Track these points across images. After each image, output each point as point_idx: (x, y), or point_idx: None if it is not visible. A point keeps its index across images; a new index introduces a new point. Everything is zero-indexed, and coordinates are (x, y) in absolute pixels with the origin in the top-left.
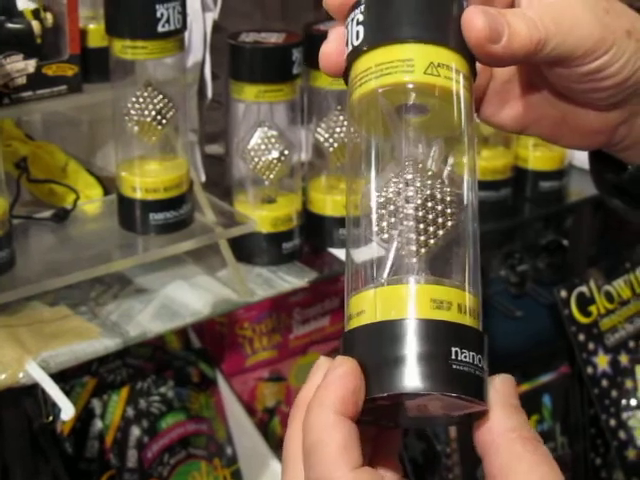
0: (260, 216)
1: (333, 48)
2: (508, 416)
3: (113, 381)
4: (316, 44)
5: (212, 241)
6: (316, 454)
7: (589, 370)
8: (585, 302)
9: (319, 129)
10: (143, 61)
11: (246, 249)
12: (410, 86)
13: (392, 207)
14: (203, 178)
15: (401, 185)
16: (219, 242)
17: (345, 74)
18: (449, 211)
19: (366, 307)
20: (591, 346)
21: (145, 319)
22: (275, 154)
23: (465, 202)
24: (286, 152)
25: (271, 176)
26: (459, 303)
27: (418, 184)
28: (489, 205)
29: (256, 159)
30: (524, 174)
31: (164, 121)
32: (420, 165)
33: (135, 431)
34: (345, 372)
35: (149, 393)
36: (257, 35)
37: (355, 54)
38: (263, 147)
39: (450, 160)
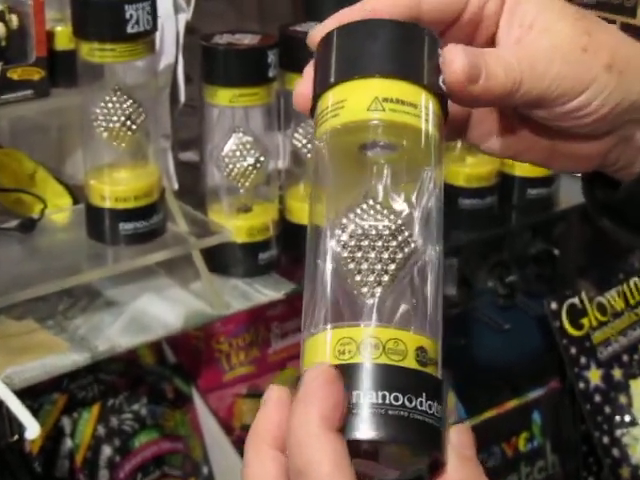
0: (235, 225)
1: (306, 87)
2: (460, 468)
3: (84, 398)
4: (292, 46)
5: (185, 252)
6: (309, 475)
7: (581, 385)
8: (576, 314)
9: (297, 135)
10: (112, 64)
11: (220, 260)
12: (369, 123)
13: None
14: (176, 186)
15: (353, 224)
16: (192, 253)
17: (312, 113)
18: (400, 256)
19: (321, 348)
20: (583, 360)
21: (115, 333)
22: (250, 161)
23: (425, 243)
24: (262, 159)
25: (246, 184)
26: (416, 348)
27: (372, 225)
28: (474, 214)
29: (231, 166)
30: (511, 181)
31: (134, 127)
32: (377, 204)
33: (106, 450)
34: (325, 381)
35: (121, 410)
36: (231, 37)
37: (315, 96)
38: (238, 153)
39: (413, 200)
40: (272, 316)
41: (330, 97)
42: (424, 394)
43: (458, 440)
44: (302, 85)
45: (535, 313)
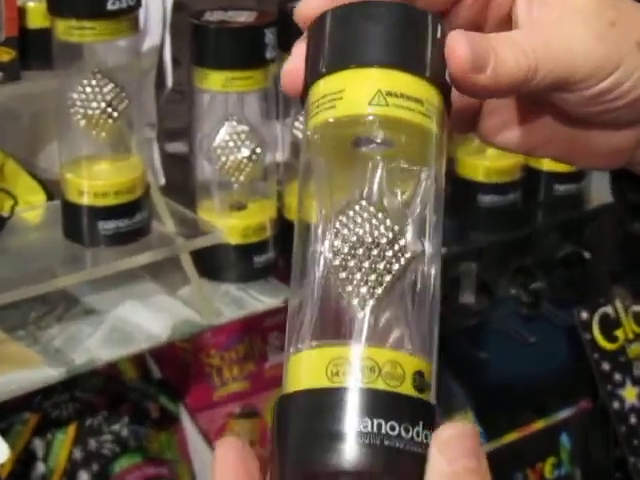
0: (228, 225)
1: (295, 65)
2: None
3: (58, 417)
4: (292, 24)
5: (172, 254)
6: None
7: (615, 405)
8: (610, 325)
9: (297, 124)
10: (91, 44)
11: (212, 263)
12: (370, 118)
13: (344, 251)
14: (162, 181)
15: (346, 229)
16: (180, 255)
17: (302, 101)
18: (396, 267)
19: (312, 368)
20: (617, 377)
21: (94, 344)
22: (245, 153)
23: (422, 249)
24: (258, 150)
25: (241, 178)
26: (414, 372)
27: (367, 228)
28: (495, 212)
29: (223, 158)
30: (536, 175)
31: (115, 114)
32: (373, 208)
33: (83, 476)
34: (229, 459)
35: (100, 431)
36: (223, 14)
37: (307, 82)
38: (231, 144)
39: (413, 205)
40: (269, 326)
41: (326, 85)
42: (421, 423)
43: (446, 453)
44: (292, 63)
45: (563, 324)
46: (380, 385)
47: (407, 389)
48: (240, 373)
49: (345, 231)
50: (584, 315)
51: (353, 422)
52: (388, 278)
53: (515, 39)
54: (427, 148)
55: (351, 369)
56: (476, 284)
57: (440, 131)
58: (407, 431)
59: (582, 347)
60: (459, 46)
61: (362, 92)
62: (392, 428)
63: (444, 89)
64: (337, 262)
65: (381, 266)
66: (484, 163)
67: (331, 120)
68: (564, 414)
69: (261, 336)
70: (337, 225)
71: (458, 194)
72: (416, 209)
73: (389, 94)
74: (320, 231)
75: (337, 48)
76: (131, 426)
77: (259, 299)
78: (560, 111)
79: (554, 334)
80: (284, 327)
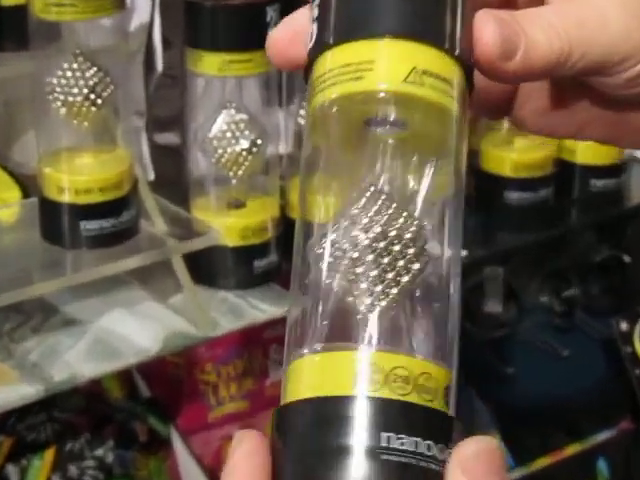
0: (225, 225)
1: (283, 33)
2: None
3: (35, 441)
4: (297, 1)
5: (163, 257)
6: None
7: None
8: None
9: (302, 112)
10: (71, 23)
11: (207, 268)
12: (383, 96)
13: (349, 249)
14: (151, 176)
15: (362, 222)
16: (172, 259)
17: (306, 73)
18: (416, 267)
19: (304, 376)
20: None
21: (75, 359)
22: (244, 144)
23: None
24: (259, 141)
25: (239, 173)
26: (445, 387)
27: (382, 222)
28: (524, 210)
29: (220, 151)
30: (570, 169)
31: (99, 101)
32: (387, 199)
33: None
34: (249, 450)
35: (82, 456)
36: None
37: (317, 49)
38: (229, 135)
39: (434, 197)
40: (271, 338)
41: (351, 52)
42: (451, 445)
43: (467, 466)
44: (278, 29)
45: (600, 335)
46: (415, 399)
47: (440, 405)
48: (238, 391)
49: (365, 220)
50: (624, 326)
51: (388, 438)
52: (406, 279)
53: (547, 17)
54: (450, 133)
55: (383, 377)
56: (503, 291)
57: (463, 116)
58: (442, 452)
59: (621, 361)
60: (487, 30)
61: (395, 67)
62: (428, 448)
63: (468, 69)
64: (355, 255)
65: (401, 264)
66: (511, 156)
67: (354, 92)
68: (601, 437)
69: (262, 349)
70: (355, 211)
71: (483, 190)
72: (439, 205)
73: (425, 73)
74: (333, 219)
75: (360, 12)
76: (116, 450)
77: (260, 308)
78: (598, 93)
79: (590, 347)
80: None
